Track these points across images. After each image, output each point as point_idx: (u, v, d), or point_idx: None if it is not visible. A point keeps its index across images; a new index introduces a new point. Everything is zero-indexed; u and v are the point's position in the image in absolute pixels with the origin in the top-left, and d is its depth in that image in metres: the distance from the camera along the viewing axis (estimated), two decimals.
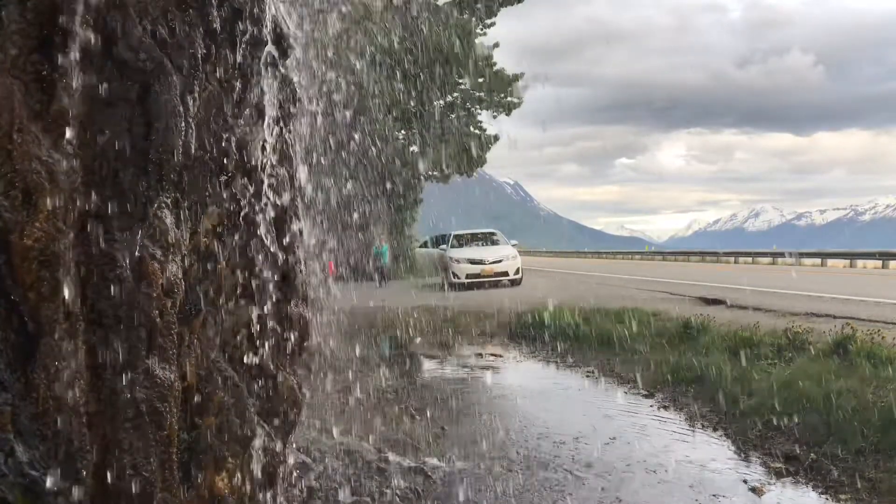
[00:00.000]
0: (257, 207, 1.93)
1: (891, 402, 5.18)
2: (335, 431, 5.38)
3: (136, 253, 1.31)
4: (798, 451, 5.02)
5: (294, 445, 4.68)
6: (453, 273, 20.25)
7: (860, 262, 28.41)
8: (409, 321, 12.17)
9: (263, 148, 1.91)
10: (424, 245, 26.20)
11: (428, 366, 9.76)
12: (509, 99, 29.10)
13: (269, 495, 1.90)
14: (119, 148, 1.29)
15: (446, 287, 20.30)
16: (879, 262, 27.13)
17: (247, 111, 1.83)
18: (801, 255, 33.31)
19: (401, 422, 6.18)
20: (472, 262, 20.33)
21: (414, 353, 10.52)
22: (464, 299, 15.59)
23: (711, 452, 5.29)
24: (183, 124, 1.39)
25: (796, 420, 5.52)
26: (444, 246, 22.22)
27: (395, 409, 6.71)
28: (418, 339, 11.34)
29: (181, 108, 1.39)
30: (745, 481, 4.62)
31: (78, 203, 1.20)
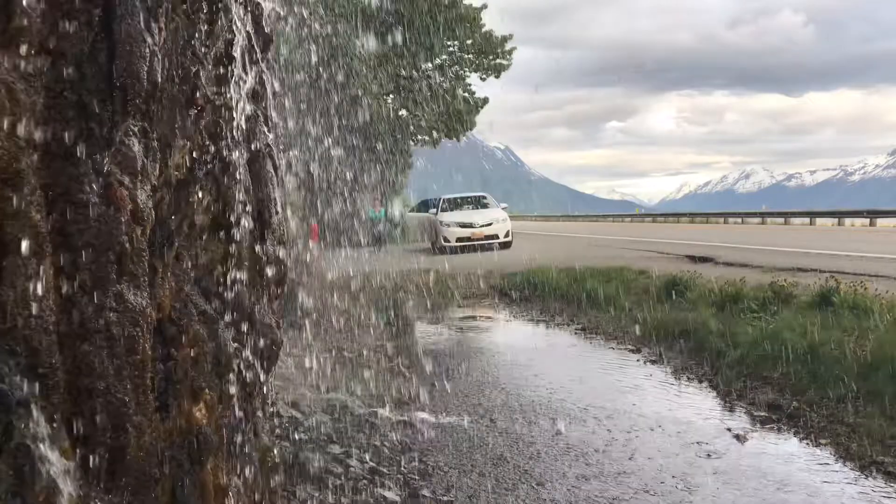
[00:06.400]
0: (229, 143, 1.92)
1: (871, 350, 5.26)
2: (325, 388, 5.44)
3: (103, 178, 1.32)
4: (781, 400, 5.10)
5: (285, 400, 4.74)
6: (443, 237, 20.23)
7: (848, 221, 28.56)
8: (399, 284, 12.21)
9: (234, 83, 1.90)
10: (414, 210, 26.14)
11: (419, 327, 9.83)
12: (498, 61, 28.86)
13: (248, 427, 1.93)
14: (82, 72, 1.28)
15: (437, 251, 20.32)
16: (867, 220, 27.28)
17: (216, 46, 1.82)
18: (791, 214, 33.40)
19: (391, 379, 6.23)
20: (462, 225, 20.30)
21: (405, 315, 10.58)
22: (454, 262, 15.63)
23: (697, 403, 5.38)
24: (148, 51, 1.38)
25: (780, 370, 5.61)
26: (433, 210, 22.15)
27: (386, 367, 6.77)
28: (410, 302, 11.39)
29: (146, 35, 1.38)
30: (729, 429, 4.70)
31: (41, 125, 1.20)
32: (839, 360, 5.32)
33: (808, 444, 4.39)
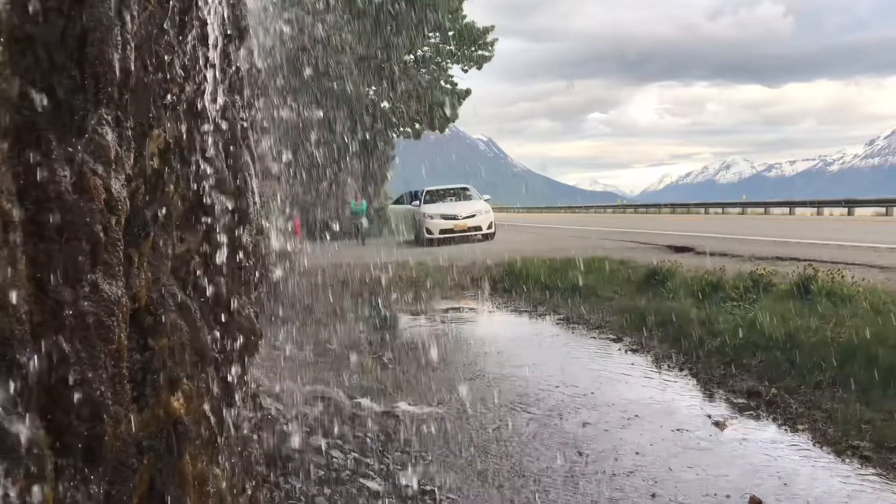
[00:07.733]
0: (205, 132, 1.91)
1: (848, 337, 5.33)
2: (308, 380, 5.43)
3: (76, 167, 1.30)
4: (760, 388, 5.16)
5: (266, 392, 4.72)
6: (426, 229, 20.17)
7: (827, 210, 28.85)
8: (383, 277, 12.20)
9: (209, 71, 1.88)
10: (397, 202, 26.06)
11: (403, 319, 9.83)
12: (480, 52, 28.83)
13: (228, 418, 1.93)
14: (53, 61, 1.26)
15: (419, 243, 20.29)
16: (845, 210, 27.59)
17: (190, 34, 1.80)
18: (771, 204, 33.67)
19: (374, 371, 6.24)
20: (445, 217, 20.24)
21: (389, 307, 10.58)
22: (438, 254, 15.62)
23: (677, 391, 5.43)
24: (120, 38, 1.37)
25: (759, 358, 5.68)
26: (416, 202, 22.07)
27: (369, 359, 6.77)
28: (394, 295, 11.39)
29: (117, 22, 1.36)
30: (709, 416, 4.75)
31: (12, 114, 1.19)
32: (817, 346, 5.39)
33: (786, 430, 4.45)
